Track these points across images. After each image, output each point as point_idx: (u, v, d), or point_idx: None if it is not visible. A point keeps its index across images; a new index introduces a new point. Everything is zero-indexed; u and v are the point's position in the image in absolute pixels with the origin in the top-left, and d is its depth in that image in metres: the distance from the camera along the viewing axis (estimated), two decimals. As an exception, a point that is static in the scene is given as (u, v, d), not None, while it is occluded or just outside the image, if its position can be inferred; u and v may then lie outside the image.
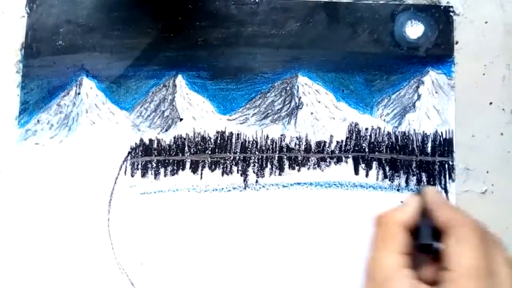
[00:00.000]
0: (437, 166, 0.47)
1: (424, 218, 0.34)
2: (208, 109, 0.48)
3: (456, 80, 0.48)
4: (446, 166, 0.47)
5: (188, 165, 0.47)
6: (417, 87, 0.48)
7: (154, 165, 0.47)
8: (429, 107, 0.48)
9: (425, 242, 0.32)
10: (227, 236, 0.45)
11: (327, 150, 0.47)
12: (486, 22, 0.48)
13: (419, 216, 0.34)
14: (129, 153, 0.47)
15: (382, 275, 0.30)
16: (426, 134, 0.47)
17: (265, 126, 0.47)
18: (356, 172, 0.47)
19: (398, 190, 0.46)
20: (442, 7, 0.49)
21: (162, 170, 0.47)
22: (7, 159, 0.47)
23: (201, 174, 0.47)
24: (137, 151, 0.47)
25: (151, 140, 0.47)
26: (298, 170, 0.47)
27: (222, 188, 0.46)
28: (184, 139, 0.47)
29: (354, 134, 0.47)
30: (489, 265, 0.28)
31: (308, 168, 0.47)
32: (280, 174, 0.47)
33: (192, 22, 0.48)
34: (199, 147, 0.47)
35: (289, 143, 0.47)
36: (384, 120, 0.47)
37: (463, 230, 0.30)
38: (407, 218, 0.32)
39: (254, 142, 0.47)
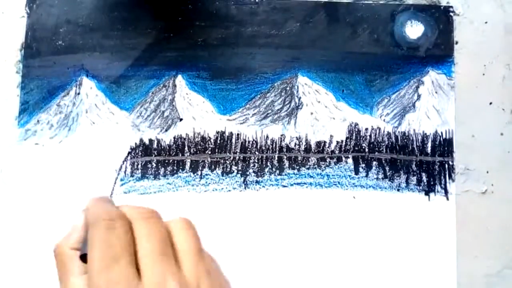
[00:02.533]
0: (437, 166, 0.47)
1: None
2: (208, 109, 0.48)
3: (456, 80, 0.48)
4: (446, 166, 0.47)
5: (188, 165, 0.47)
6: (417, 87, 0.48)
7: (154, 165, 0.47)
8: (429, 107, 0.48)
9: (83, 253, 0.31)
10: (227, 236, 0.45)
11: (327, 150, 0.47)
12: (486, 22, 0.48)
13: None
14: (129, 153, 0.47)
15: None
16: (426, 134, 0.47)
17: (265, 126, 0.47)
18: (356, 172, 0.47)
19: (398, 190, 0.46)
20: (442, 7, 0.49)
21: (162, 170, 0.47)
22: (7, 159, 0.47)
23: (201, 174, 0.47)
24: (137, 151, 0.47)
25: (151, 140, 0.47)
26: (298, 170, 0.47)
27: (222, 188, 0.46)
28: (184, 139, 0.47)
29: (354, 134, 0.47)
30: (117, 248, 0.28)
31: (308, 168, 0.47)
32: (280, 174, 0.47)
33: (192, 22, 0.48)
34: (199, 147, 0.47)
35: (289, 143, 0.47)
36: (384, 120, 0.47)
37: (91, 229, 0.29)
38: (74, 239, 0.31)
39: (254, 142, 0.47)
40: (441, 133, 0.47)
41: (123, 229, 0.29)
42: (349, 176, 0.47)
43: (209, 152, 0.47)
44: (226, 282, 0.32)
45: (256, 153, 0.47)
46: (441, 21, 0.48)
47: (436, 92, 0.48)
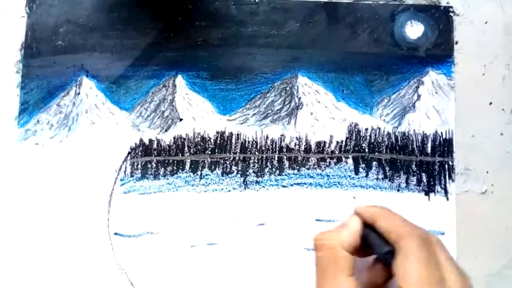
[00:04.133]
0: (437, 166, 0.47)
1: (368, 233, 0.33)
2: (208, 109, 0.48)
3: (456, 80, 0.48)
4: (446, 166, 0.47)
5: (188, 165, 0.47)
6: (417, 87, 0.48)
7: (154, 165, 0.47)
8: (429, 107, 0.48)
9: (385, 251, 0.32)
10: (227, 236, 0.45)
11: (327, 150, 0.47)
12: (486, 22, 0.48)
13: (361, 234, 0.33)
14: (129, 153, 0.47)
15: None
16: (426, 134, 0.47)
17: (265, 126, 0.47)
18: (356, 172, 0.47)
19: (398, 190, 0.46)
20: (442, 7, 0.49)
21: (162, 170, 0.47)
22: (7, 159, 0.47)
23: (201, 174, 0.47)
24: (137, 151, 0.47)
25: (151, 140, 0.47)
26: (298, 170, 0.47)
27: (222, 188, 0.46)
28: (184, 139, 0.47)
29: (354, 134, 0.47)
30: (436, 275, 0.28)
31: (308, 168, 0.47)
32: (280, 174, 0.47)
33: (192, 22, 0.48)
34: (199, 147, 0.47)
35: (289, 143, 0.47)
36: (384, 120, 0.47)
37: (406, 242, 0.30)
38: (348, 240, 0.31)
39: (254, 142, 0.47)
40: (441, 133, 0.47)
41: (441, 252, 0.30)
42: (349, 176, 0.47)
43: (209, 152, 0.47)
44: None
45: (256, 153, 0.47)
46: (441, 21, 0.48)
47: (436, 92, 0.48)
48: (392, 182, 0.46)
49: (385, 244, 0.32)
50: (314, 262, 0.32)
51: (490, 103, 0.47)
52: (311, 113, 0.48)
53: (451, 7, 0.49)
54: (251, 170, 0.47)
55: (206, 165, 0.47)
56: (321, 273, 0.31)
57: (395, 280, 0.29)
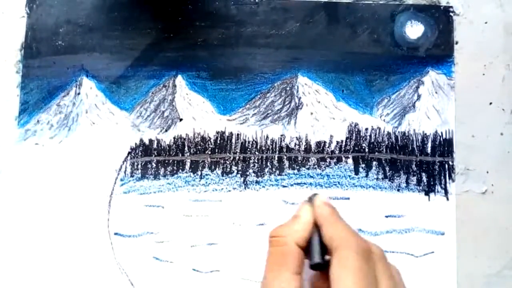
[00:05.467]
0: (437, 166, 0.47)
1: (315, 232, 0.33)
2: (208, 109, 0.48)
3: (456, 80, 0.48)
4: (446, 166, 0.47)
5: (188, 165, 0.47)
6: (417, 87, 0.48)
7: (154, 165, 0.47)
8: (429, 107, 0.48)
9: (315, 262, 0.32)
10: (227, 236, 0.45)
11: (327, 150, 0.47)
12: (486, 22, 0.49)
13: (312, 229, 0.33)
14: (129, 153, 0.47)
15: None
16: (426, 134, 0.47)
17: (265, 126, 0.47)
18: (356, 172, 0.47)
19: (398, 190, 0.46)
20: (442, 7, 0.49)
21: (162, 170, 0.47)
22: (7, 159, 0.47)
23: (201, 174, 0.47)
24: (137, 151, 0.47)
25: (151, 140, 0.47)
26: (298, 170, 0.47)
27: (222, 188, 0.46)
28: (184, 139, 0.47)
29: (354, 134, 0.47)
30: (370, 284, 0.28)
31: (308, 168, 0.47)
32: (280, 174, 0.47)
33: (192, 22, 0.48)
34: (199, 147, 0.47)
35: (289, 143, 0.47)
36: (384, 120, 0.47)
37: (344, 252, 0.29)
38: (300, 235, 0.31)
39: (254, 142, 0.47)
40: (441, 133, 0.47)
41: (373, 265, 0.30)
42: (349, 176, 0.47)
43: (209, 152, 0.47)
44: None
45: (256, 153, 0.47)
46: (441, 21, 0.48)
47: (436, 92, 0.48)
48: (392, 182, 0.46)
49: (320, 254, 0.32)
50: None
51: (490, 103, 0.47)
52: (311, 113, 0.48)
53: (451, 7, 0.49)
54: (251, 170, 0.47)
55: (206, 165, 0.47)
56: (268, 269, 0.30)
57: None
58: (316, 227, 0.33)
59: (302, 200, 0.36)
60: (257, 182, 0.46)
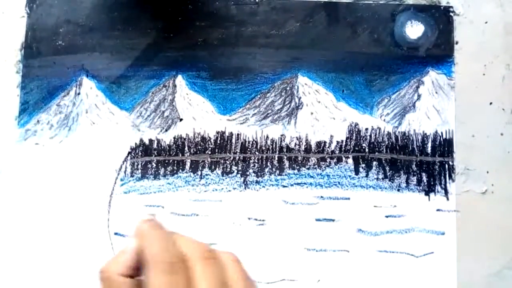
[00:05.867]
0: (437, 166, 0.47)
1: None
2: (208, 109, 0.48)
3: (456, 80, 0.48)
4: (446, 166, 0.47)
5: (188, 165, 0.47)
6: (417, 87, 0.48)
7: (154, 165, 0.47)
8: (429, 107, 0.48)
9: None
10: (227, 236, 0.45)
11: (327, 150, 0.47)
12: (486, 22, 0.48)
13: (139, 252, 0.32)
14: (129, 153, 0.47)
15: None
16: (426, 134, 0.47)
17: (265, 126, 0.47)
18: (356, 172, 0.47)
19: (398, 190, 0.46)
20: (442, 7, 0.49)
21: (162, 170, 0.47)
22: (7, 159, 0.47)
23: (201, 174, 0.47)
24: (137, 151, 0.47)
25: (151, 140, 0.47)
26: (298, 170, 0.47)
27: (222, 188, 0.46)
28: (184, 139, 0.47)
29: (354, 134, 0.47)
30: (182, 285, 0.28)
31: (308, 168, 0.47)
32: (280, 174, 0.47)
33: (192, 22, 0.48)
34: (199, 147, 0.47)
35: (289, 143, 0.47)
36: (384, 120, 0.47)
37: (149, 271, 0.29)
38: (123, 265, 0.30)
39: (254, 142, 0.47)
40: (441, 133, 0.47)
41: (184, 275, 0.29)
42: (349, 176, 0.47)
43: (209, 152, 0.47)
44: None
45: (256, 153, 0.47)
46: (441, 21, 0.48)
47: (436, 92, 0.48)
48: (392, 182, 0.46)
49: None
50: None
51: (490, 103, 0.47)
52: (311, 113, 0.48)
53: (451, 7, 0.49)
54: (251, 170, 0.47)
55: (206, 165, 0.47)
56: None
57: None
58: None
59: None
60: (257, 182, 0.46)
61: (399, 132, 0.47)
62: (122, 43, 0.48)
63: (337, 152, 0.47)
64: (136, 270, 0.31)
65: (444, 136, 0.47)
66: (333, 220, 0.46)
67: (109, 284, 0.31)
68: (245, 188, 0.46)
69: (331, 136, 0.47)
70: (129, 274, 0.31)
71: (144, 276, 0.29)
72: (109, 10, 0.49)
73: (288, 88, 0.48)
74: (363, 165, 0.47)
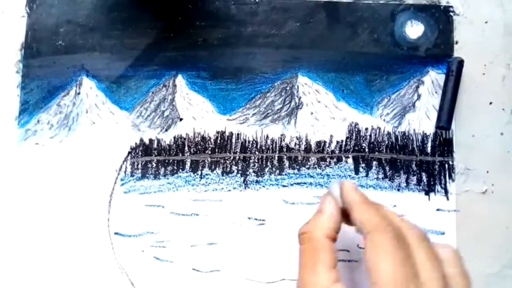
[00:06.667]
0: (437, 166, 0.47)
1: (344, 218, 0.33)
2: (208, 109, 0.48)
3: (456, 80, 0.48)
4: (446, 166, 0.47)
5: (188, 165, 0.47)
6: (417, 87, 0.48)
7: (154, 165, 0.47)
8: (429, 107, 0.48)
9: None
10: (227, 236, 0.45)
11: (327, 150, 0.47)
12: (486, 22, 0.49)
13: (339, 219, 0.33)
14: (129, 153, 0.47)
15: None
16: (426, 134, 0.47)
17: (265, 126, 0.47)
18: (356, 172, 0.47)
19: (398, 189, 0.46)
20: (442, 7, 0.49)
21: (162, 170, 0.47)
22: (7, 159, 0.47)
23: (201, 174, 0.47)
24: (137, 151, 0.47)
25: (151, 140, 0.47)
26: (298, 170, 0.47)
27: (222, 188, 0.46)
28: (184, 139, 0.47)
29: (354, 134, 0.47)
30: (409, 269, 0.27)
31: (308, 168, 0.47)
32: (280, 174, 0.47)
33: (192, 22, 0.48)
34: (199, 147, 0.47)
35: (289, 143, 0.47)
36: (384, 120, 0.47)
37: (377, 236, 0.28)
38: (329, 226, 0.31)
39: (254, 142, 0.47)
40: (441, 133, 0.47)
41: (407, 250, 0.28)
42: (349, 176, 0.47)
43: (209, 152, 0.47)
44: None
45: (256, 153, 0.47)
46: (441, 21, 0.48)
47: (436, 92, 0.48)
48: (392, 182, 0.46)
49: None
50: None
51: (490, 103, 0.47)
52: (311, 113, 0.48)
53: (451, 7, 0.49)
54: (251, 170, 0.47)
55: (206, 164, 0.47)
56: (302, 266, 0.30)
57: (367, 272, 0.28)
58: (345, 216, 0.33)
59: (323, 194, 0.36)
60: (257, 181, 0.46)
61: (399, 132, 0.47)
62: (122, 43, 0.48)
63: (337, 152, 0.47)
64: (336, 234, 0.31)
65: (444, 136, 0.47)
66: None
67: (314, 244, 0.30)
68: (245, 188, 0.46)
69: (331, 136, 0.47)
70: (333, 237, 0.31)
71: (360, 241, 0.29)
72: (109, 10, 0.49)
73: (288, 88, 0.48)
74: (363, 165, 0.47)
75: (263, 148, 0.47)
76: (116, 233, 0.45)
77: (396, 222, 0.30)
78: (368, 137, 0.47)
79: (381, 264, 0.27)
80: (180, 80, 0.48)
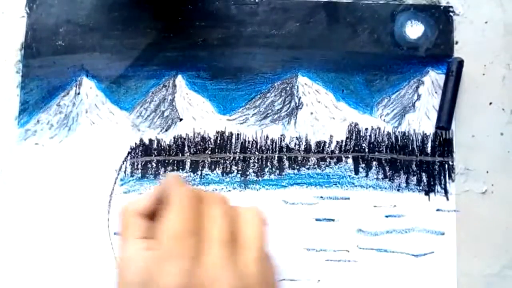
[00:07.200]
0: (437, 166, 0.47)
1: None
2: (208, 109, 0.48)
3: (456, 80, 0.48)
4: (446, 166, 0.47)
5: (188, 165, 0.47)
6: (417, 87, 0.48)
7: (154, 165, 0.47)
8: (429, 107, 0.48)
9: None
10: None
11: (327, 150, 0.47)
12: (486, 22, 0.49)
13: (157, 197, 0.34)
14: (129, 153, 0.47)
15: (124, 258, 0.31)
16: (426, 134, 0.47)
17: (265, 126, 0.47)
18: (356, 172, 0.47)
19: (398, 190, 0.46)
20: (442, 7, 0.49)
21: (162, 170, 0.47)
22: (7, 159, 0.47)
23: (201, 174, 0.47)
24: (137, 151, 0.47)
25: (151, 140, 0.47)
26: (298, 170, 0.47)
27: (222, 188, 0.46)
28: (184, 139, 0.47)
29: (354, 134, 0.47)
30: (196, 223, 0.29)
31: (308, 168, 0.47)
32: (280, 174, 0.47)
33: (192, 22, 0.48)
34: (199, 147, 0.47)
35: (289, 143, 0.47)
36: (384, 120, 0.47)
37: (173, 198, 0.30)
38: (142, 205, 0.33)
39: (254, 142, 0.47)
40: (441, 133, 0.47)
41: (198, 215, 0.30)
42: (349, 176, 0.47)
43: (209, 152, 0.47)
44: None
45: (256, 153, 0.47)
46: (441, 21, 0.48)
47: (436, 92, 0.48)
48: (392, 182, 0.46)
49: None
50: None
51: (490, 103, 0.47)
52: (311, 113, 0.48)
53: (451, 7, 0.49)
54: (251, 170, 0.47)
55: (206, 165, 0.47)
56: (119, 237, 0.32)
57: None
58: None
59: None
60: (257, 182, 0.46)
61: (399, 132, 0.47)
62: (122, 43, 0.48)
63: (337, 152, 0.47)
64: (153, 215, 0.32)
65: (444, 136, 0.47)
66: (333, 220, 0.46)
67: (125, 220, 0.33)
68: (245, 188, 0.46)
69: (331, 136, 0.47)
70: (145, 213, 0.33)
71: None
72: (109, 10, 0.49)
73: (288, 88, 0.48)
74: (363, 165, 0.47)
75: (263, 148, 0.47)
76: (116, 233, 0.45)
77: (195, 189, 0.32)
78: (368, 137, 0.47)
79: (169, 219, 0.29)
80: (180, 80, 0.48)
